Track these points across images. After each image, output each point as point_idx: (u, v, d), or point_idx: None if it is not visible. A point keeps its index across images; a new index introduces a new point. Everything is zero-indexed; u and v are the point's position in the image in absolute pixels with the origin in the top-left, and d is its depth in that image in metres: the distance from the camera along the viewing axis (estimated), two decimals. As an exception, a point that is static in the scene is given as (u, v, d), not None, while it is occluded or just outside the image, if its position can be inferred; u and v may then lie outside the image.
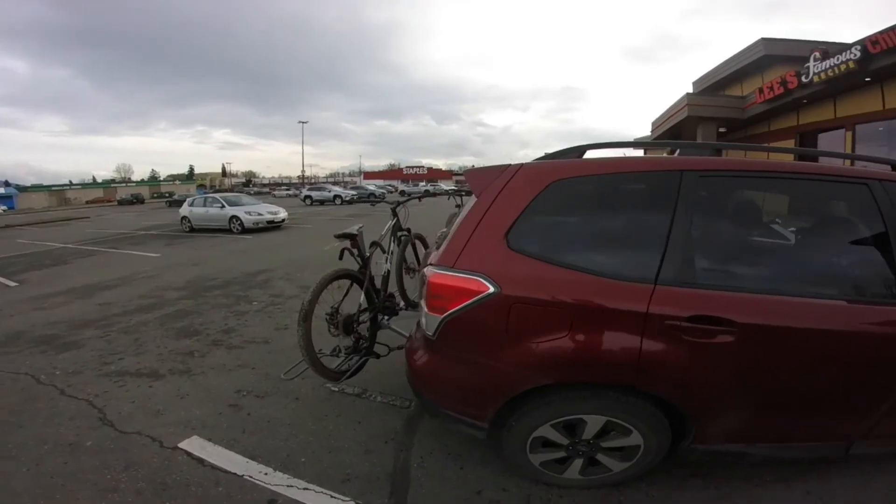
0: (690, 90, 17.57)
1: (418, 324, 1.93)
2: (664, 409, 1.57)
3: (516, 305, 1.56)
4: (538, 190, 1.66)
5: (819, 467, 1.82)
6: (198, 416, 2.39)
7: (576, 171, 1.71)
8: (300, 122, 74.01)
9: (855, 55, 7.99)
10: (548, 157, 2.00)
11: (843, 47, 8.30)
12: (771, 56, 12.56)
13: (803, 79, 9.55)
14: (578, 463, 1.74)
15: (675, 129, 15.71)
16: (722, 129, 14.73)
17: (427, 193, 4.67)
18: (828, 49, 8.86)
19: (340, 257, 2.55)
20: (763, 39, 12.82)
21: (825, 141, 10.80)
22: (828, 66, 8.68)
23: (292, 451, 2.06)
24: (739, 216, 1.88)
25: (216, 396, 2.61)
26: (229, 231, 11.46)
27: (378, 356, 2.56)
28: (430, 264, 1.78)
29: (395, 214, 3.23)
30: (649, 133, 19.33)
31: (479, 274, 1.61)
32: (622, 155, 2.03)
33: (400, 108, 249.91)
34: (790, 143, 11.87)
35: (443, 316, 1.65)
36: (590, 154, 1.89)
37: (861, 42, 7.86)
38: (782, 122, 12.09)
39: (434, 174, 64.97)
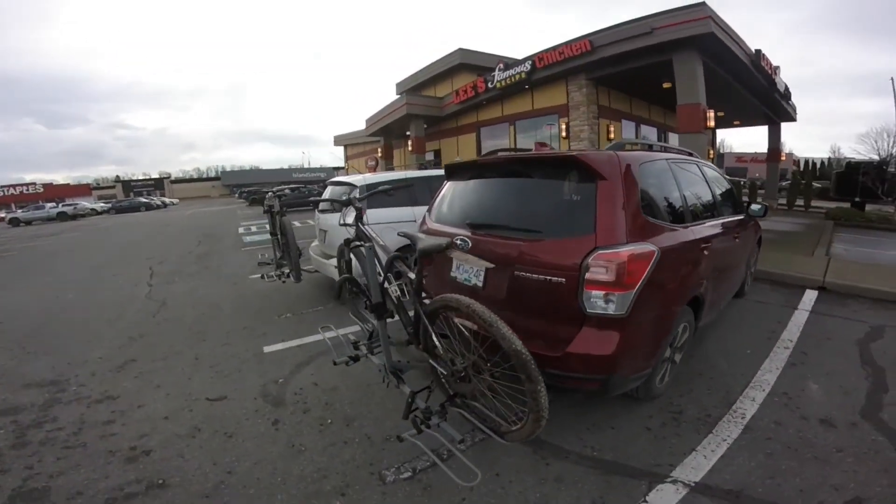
0: (395, 91, 20.93)
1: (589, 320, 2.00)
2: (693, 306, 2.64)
3: (666, 256, 2.13)
4: (638, 172, 2.28)
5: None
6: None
7: (648, 158, 2.54)
8: None
9: (526, 68, 12.27)
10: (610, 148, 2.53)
11: (519, 61, 12.53)
12: (464, 64, 16.82)
13: (489, 84, 13.64)
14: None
15: (392, 125, 18.35)
16: (425, 126, 18.50)
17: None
18: (508, 62, 13.10)
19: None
20: (460, 49, 16.97)
21: (493, 131, 15.71)
22: (507, 75, 12.86)
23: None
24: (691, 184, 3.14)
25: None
26: None
27: None
28: (600, 247, 1.95)
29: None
30: (363, 127, 21.55)
31: (645, 241, 2.06)
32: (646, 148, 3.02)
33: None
34: (472, 136, 16.46)
35: (636, 286, 1.95)
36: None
37: (531, 58, 12.16)
38: (467, 119, 16.52)
39: (60, 191, 46.15)
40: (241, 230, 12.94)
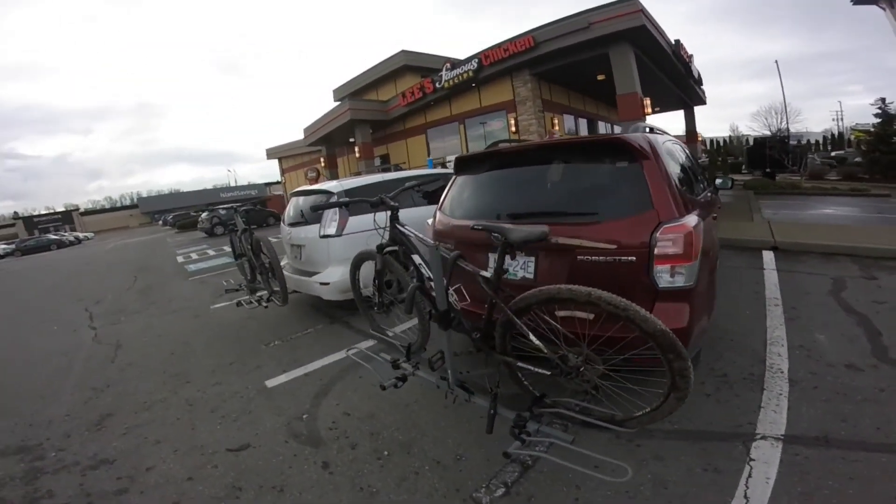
0: (332, 97, 20.17)
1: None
2: None
3: (704, 226, 2.19)
4: (664, 151, 2.40)
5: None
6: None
7: (663, 139, 2.66)
8: None
9: (473, 66, 12.29)
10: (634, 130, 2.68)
11: (465, 60, 12.53)
12: (408, 66, 16.53)
13: (437, 84, 13.54)
14: None
15: (334, 133, 17.68)
16: (370, 131, 18.03)
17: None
18: (455, 62, 13.05)
19: None
20: (403, 51, 16.62)
21: (442, 131, 15.66)
22: (454, 74, 12.82)
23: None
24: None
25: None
26: None
27: None
28: (664, 222, 1.98)
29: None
30: (301, 137, 20.55)
31: (691, 213, 2.14)
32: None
33: None
34: (421, 138, 16.30)
35: (698, 256, 1.99)
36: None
37: (477, 56, 12.20)
38: (415, 121, 16.33)
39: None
40: (179, 259, 11.71)
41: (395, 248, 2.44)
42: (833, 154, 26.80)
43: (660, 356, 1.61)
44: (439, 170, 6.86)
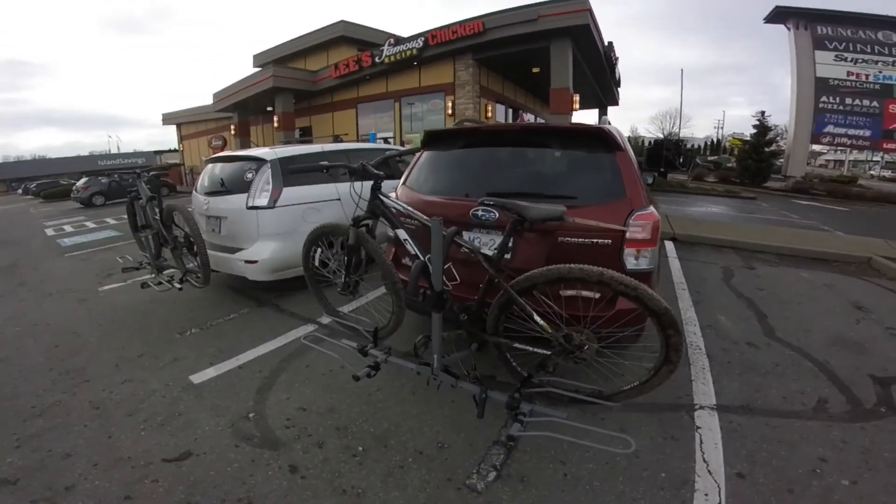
0: (252, 63, 18.08)
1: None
2: None
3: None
4: (629, 145, 2.51)
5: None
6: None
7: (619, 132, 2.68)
8: None
9: (418, 44, 11.74)
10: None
11: (410, 38, 11.90)
12: (345, 38, 15.28)
13: (376, 59, 12.74)
14: None
15: (250, 100, 15.92)
16: (293, 100, 16.53)
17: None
18: (398, 38, 12.33)
19: None
20: (343, 21, 15.26)
21: (375, 107, 14.95)
22: (397, 50, 12.15)
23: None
24: None
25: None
26: None
27: None
28: (636, 210, 2.11)
29: None
30: (211, 102, 18.22)
31: (651, 203, 2.27)
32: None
33: None
34: (351, 112, 15.41)
35: (658, 243, 2.18)
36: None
37: (424, 35, 11.64)
38: (345, 94, 15.33)
39: None
40: (50, 231, 9.66)
41: (369, 221, 2.13)
42: (709, 158, 31.22)
43: (659, 332, 1.71)
44: (381, 144, 6.45)
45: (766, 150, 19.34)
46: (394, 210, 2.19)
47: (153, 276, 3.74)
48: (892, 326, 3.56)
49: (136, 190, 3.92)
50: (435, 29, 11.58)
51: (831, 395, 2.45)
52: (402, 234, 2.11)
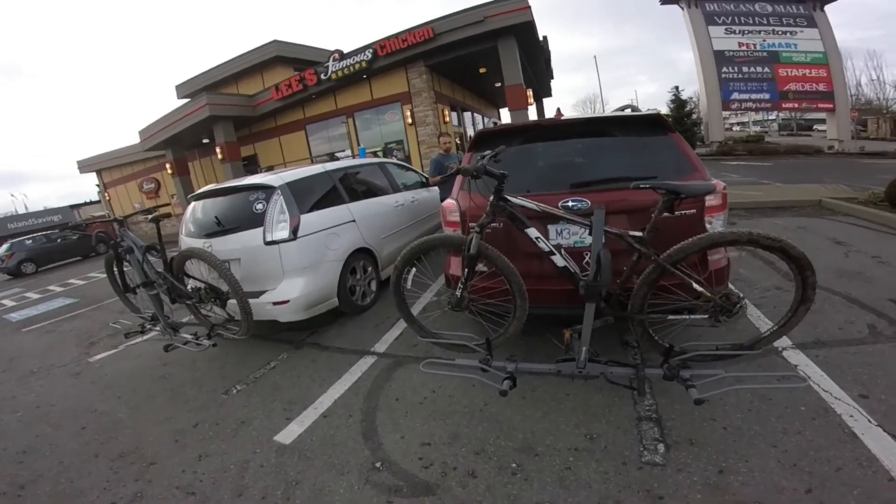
0: (175, 94, 16.81)
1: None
2: None
3: None
4: None
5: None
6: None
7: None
8: None
9: (367, 56, 11.46)
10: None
11: (357, 50, 11.59)
12: (280, 58, 14.55)
13: (322, 76, 12.30)
14: None
15: (183, 133, 14.82)
16: (234, 128, 15.61)
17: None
18: (342, 53, 11.98)
19: None
20: (276, 41, 14.48)
21: (326, 126, 14.50)
22: (344, 65, 11.80)
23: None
24: None
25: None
26: None
27: None
28: (709, 181, 2.26)
29: None
30: (138, 141, 16.70)
31: None
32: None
33: None
34: (300, 135, 14.83)
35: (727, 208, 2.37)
36: None
37: (372, 46, 11.38)
38: (290, 116, 14.71)
39: None
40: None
41: (476, 231, 2.03)
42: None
43: (798, 275, 1.83)
44: (372, 158, 6.24)
45: (687, 120, 21.31)
46: (520, 208, 2.10)
47: (167, 335, 3.29)
48: (877, 255, 4.00)
49: (120, 241, 3.40)
50: (383, 39, 11.43)
51: (875, 321, 2.74)
52: (532, 232, 2.06)
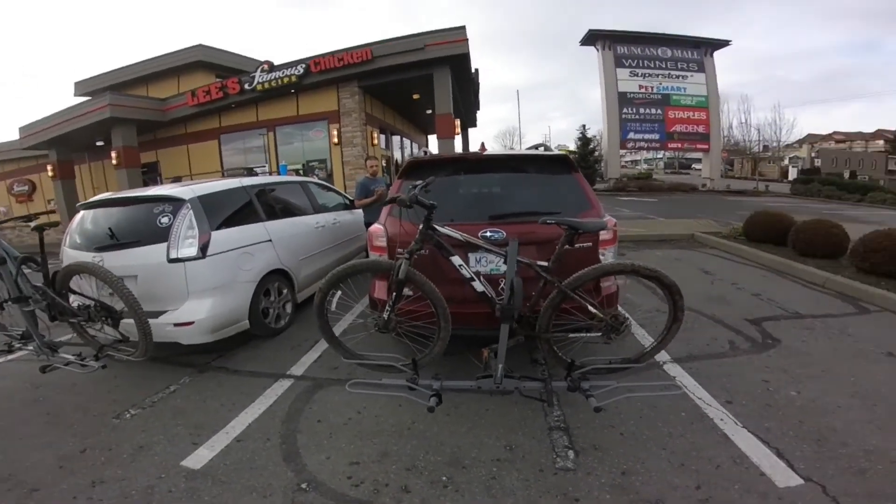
0: (73, 91, 14.76)
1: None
2: None
3: None
4: None
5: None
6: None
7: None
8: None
9: (299, 71, 11.08)
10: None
11: (290, 64, 11.16)
12: (203, 63, 13.44)
13: (246, 86, 11.64)
14: None
15: (75, 133, 13.00)
16: (136, 132, 14.06)
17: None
18: (272, 64, 11.45)
19: None
20: (201, 46, 13.32)
21: (243, 137, 13.73)
22: (273, 77, 11.29)
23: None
24: None
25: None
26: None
27: None
28: (602, 218, 2.55)
29: None
30: (17, 137, 14.21)
31: None
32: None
33: None
34: (212, 144, 13.85)
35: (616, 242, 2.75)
36: None
37: (306, 61, 11.03)
38: (203, 124, 13.66)
39: None
40: None
41: (405, 255, 2.13)
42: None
43: (669, 300, 2.16)
44: (293, 177, 6.06)
45: (591, 157, 23.63)
46: (446, 237, 2.23)
47: (44, 355, 2.83)
48: (735, 282, 4.86)
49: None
50: (318, 56, 11.24)
51: (733, 337, 3.32)
52: (456, 260, 2.19)
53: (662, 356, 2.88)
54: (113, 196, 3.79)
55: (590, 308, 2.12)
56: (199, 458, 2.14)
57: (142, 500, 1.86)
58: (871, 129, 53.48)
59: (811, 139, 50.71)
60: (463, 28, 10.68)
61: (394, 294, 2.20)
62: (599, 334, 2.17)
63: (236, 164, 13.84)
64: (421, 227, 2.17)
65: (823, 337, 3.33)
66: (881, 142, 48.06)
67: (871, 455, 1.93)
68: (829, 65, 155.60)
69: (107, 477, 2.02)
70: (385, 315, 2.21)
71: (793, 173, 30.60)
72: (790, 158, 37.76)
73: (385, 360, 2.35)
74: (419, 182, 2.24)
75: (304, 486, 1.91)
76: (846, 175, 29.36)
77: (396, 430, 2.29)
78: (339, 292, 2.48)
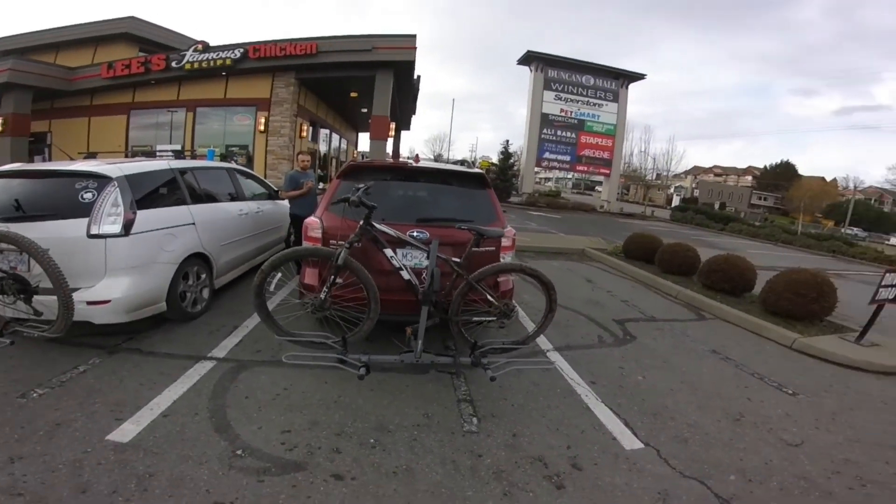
0: None
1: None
2: None
3: None
4: None
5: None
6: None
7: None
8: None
9: (235, 55, 10.44)
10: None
11: (227, 46, 10.46)
12: (130, 35, 12.04)
13: (174, 63, 10.74)
14: None
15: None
16: (31, 99, 12.15)
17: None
18: (206, 45, 10.65)
19: None
20: (133, 17, 11.79)
21: (157, 115, 12.63)
22: (206, 57, 10.53)
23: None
24: None
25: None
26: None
27: None
28: (505, 227, 3.16)
29: None
30: None
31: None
32: None
33: None
34: (120, 119, 12.56)
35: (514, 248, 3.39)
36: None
37: (244, 46, 10.42)
38: (112, 98, 12.30)
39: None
40: None
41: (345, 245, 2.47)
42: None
43: (546, 294, 2.84)
44: (221, 163, 5.93)
45: (510, 171, 25.30)
46: (381, 233, 2.65)
47: None
48: (611, 290, 5.89)
49: None
50: (259, 42, 10.73)
51: (602, 334, 4.15)
52: (388, 252, 2.61)
53: (546, 345, 3.59)
54: (24, 167, 3.56)
55: (489, 297, 2.71)
56: (125, 433, 2.20)
57: (71, 472, 1.91)
58: (744, 165, 63.03)
59: (696, 171, 58.56)
60: (413, 36, 11.08)
61: (332, 278, 2.52)
62: (495, 319, 2.77)
63: (145, 140, 12.65)
64: (361, 223, 2.55)
65: (668, 336, 4.29)
66: (749, 177, 57.15)
67: (692, 428, 2.66)
68: (725, 103, 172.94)
69: (25, 454, 2.01)
70: (322, 296, 2.52)
71: (676, 201, 35.34)
72: (675, 187, 43.54)
73: (317, 337, 2.63)
74: (361, 185, 2.62)
75: (239, 452, 2.12)
76: (717, 206, 33.60)
77: (324, 403, 2.57)
78: (280, 275, 2.71)
